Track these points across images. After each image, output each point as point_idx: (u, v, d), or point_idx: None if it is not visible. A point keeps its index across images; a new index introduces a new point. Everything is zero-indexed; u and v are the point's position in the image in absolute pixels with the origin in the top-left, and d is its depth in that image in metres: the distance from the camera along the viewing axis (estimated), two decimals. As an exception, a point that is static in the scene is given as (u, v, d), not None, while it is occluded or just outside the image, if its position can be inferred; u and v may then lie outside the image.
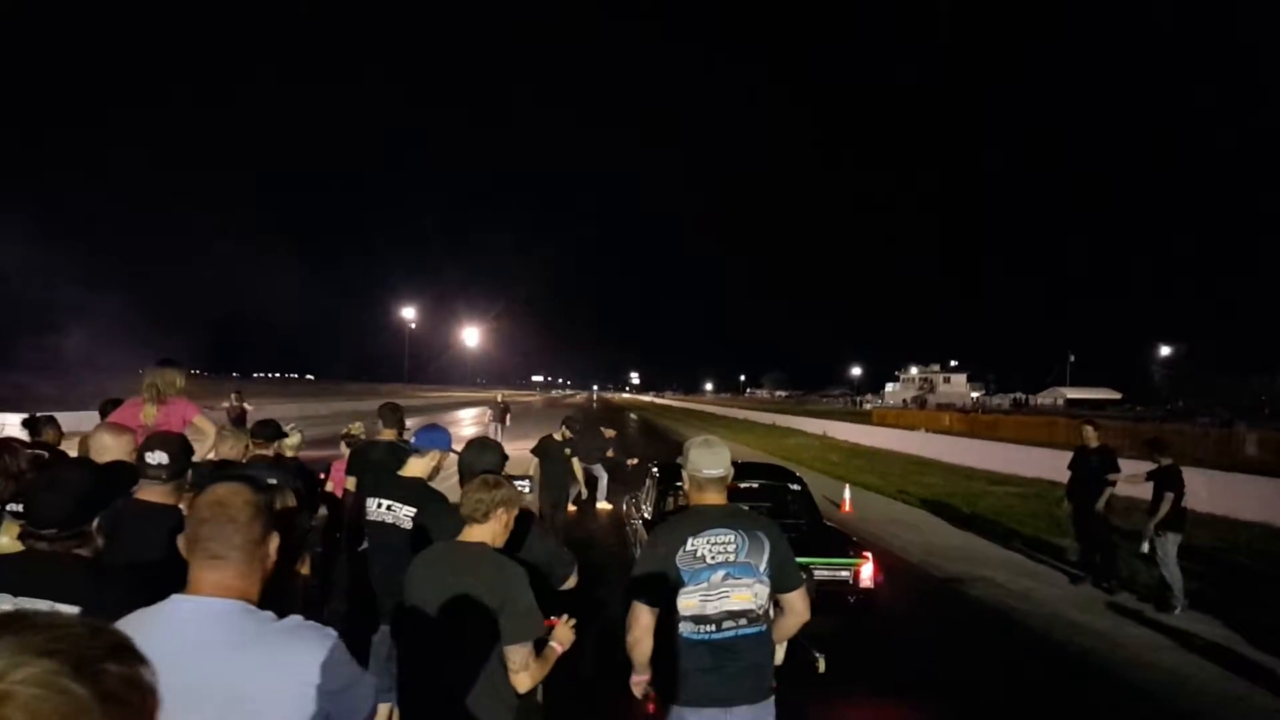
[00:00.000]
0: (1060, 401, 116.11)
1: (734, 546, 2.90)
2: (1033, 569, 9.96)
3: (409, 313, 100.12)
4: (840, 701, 5.54)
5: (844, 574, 6.38)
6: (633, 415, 61.99)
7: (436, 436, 4.00)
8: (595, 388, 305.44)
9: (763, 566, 2.91)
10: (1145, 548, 8.09)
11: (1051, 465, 20.28)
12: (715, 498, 3.02)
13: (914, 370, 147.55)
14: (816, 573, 6.19)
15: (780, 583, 2.96)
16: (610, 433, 13.34)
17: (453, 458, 3.84)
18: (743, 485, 7.62)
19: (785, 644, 5.36)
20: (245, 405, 16.12)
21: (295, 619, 1.65)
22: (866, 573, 6.40)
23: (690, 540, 2.89)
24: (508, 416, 25.70)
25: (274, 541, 1.75)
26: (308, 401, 53.59)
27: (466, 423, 40.00)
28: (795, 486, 7.60)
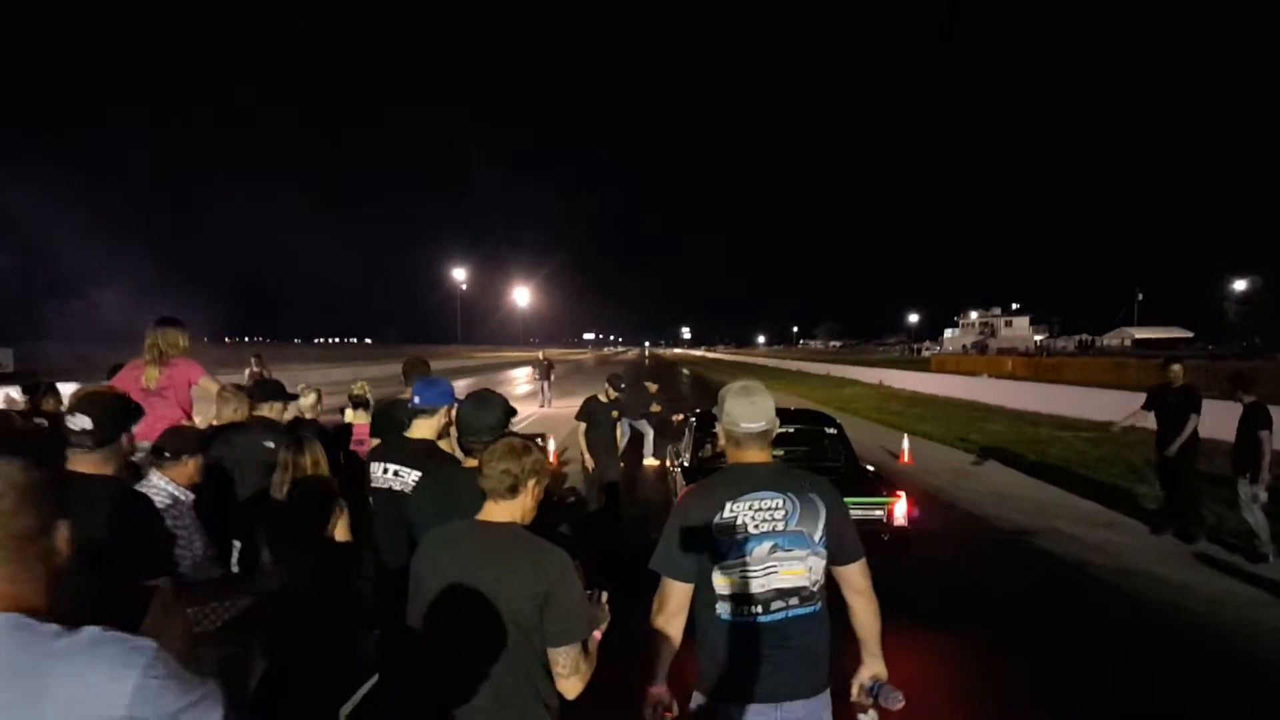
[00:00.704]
0: (1128, 342, 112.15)
1: (783, 513, 2.42)
2: (1109, 518, 9.28)
3: (460, 274, 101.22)
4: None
5: (877, 513, 6.36)
6: (684, 370, 61.36)
7: (439, 390, 3.52)
8: (647, 344, 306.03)
9: (818, 536, 2.43)
10: (1254, 494, 7.37)
11: (1122, 408, 19.30)
12: (758, 455, 2.52)
13: (974, 315, 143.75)
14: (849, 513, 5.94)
15: (838, 554, 2.49)
16: (654, 387, 12.88)
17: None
18: (778, 430, 7.30)
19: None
20: (265, 371, 15.19)
21: (93, 631, 1.17)
22: (900, 511, 6.39)
23: (730, 506, 2.40)
24: (552, 374, 25.33)
25: (62, 531, 1.27)
26: (362, 365, 53.87)
27: (519, 381, 39.86)
28: (830, 430, 7.64)
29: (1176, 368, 8.39)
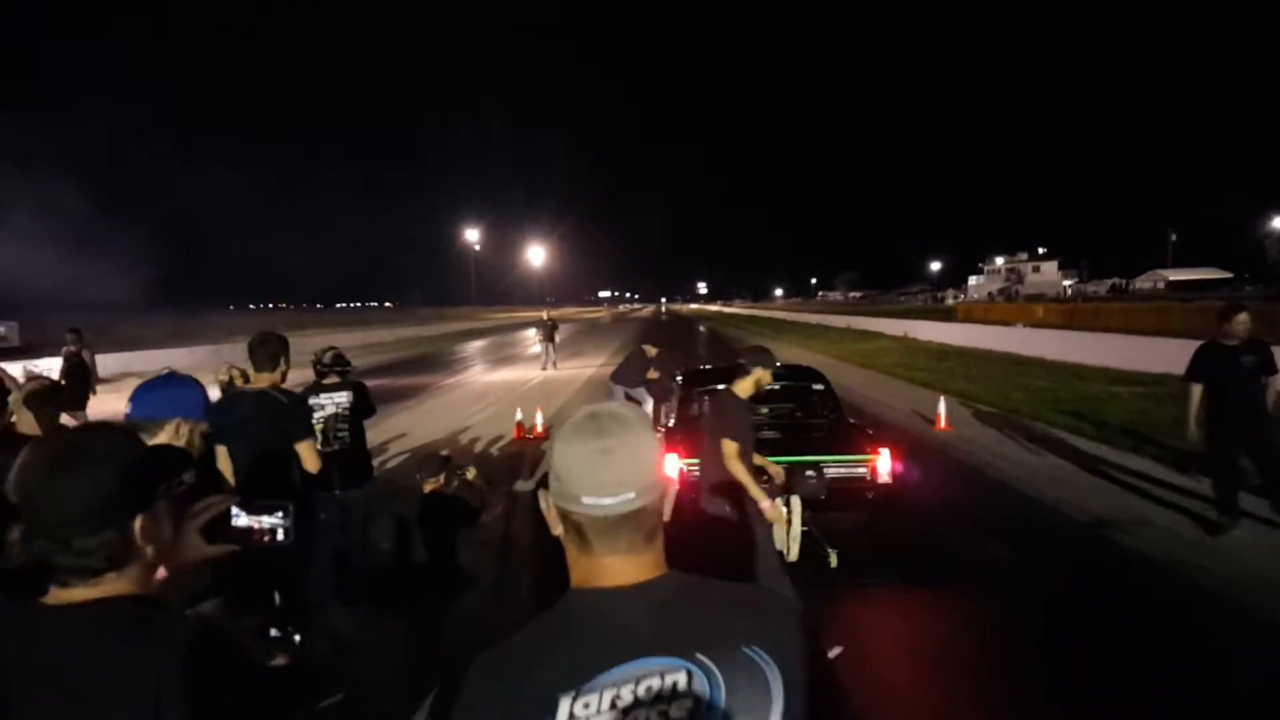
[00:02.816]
0: (1161, 284, 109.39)
1: (689, 704, 1.08)
2: (1201, 506, 7.50)
3: (473, 235, 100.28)
4: (847, 597, 5.47)
5: (860, 470, 6.39)
6: (700, 327, 59.81)
7: (165, 397, 2.09)
8: (663, 300, 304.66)
9: None
10: None
11: (1177, 358, 17.65)
12: (625, 568, 1.18)
13: (999, 261, 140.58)
14: (830, 470, 6.11)
15: None
16: (653, 351, 11.38)
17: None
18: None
19: (799, 540, 5.78)
20: (84, 353, 12.65)
21: None
22: (883, 468, 6.38)
23: (569, 703, 1.06)
24: (556, 335, 23.87)
25: None
26: (373, 329, 52.91)
27: (532, 342, 38.42)
28: (818, 386, 7.78)
29: (1243, 316, 6.48)
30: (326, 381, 5.40)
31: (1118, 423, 11.74)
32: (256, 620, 2.31)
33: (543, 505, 1.22)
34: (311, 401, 5.25)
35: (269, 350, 4.00)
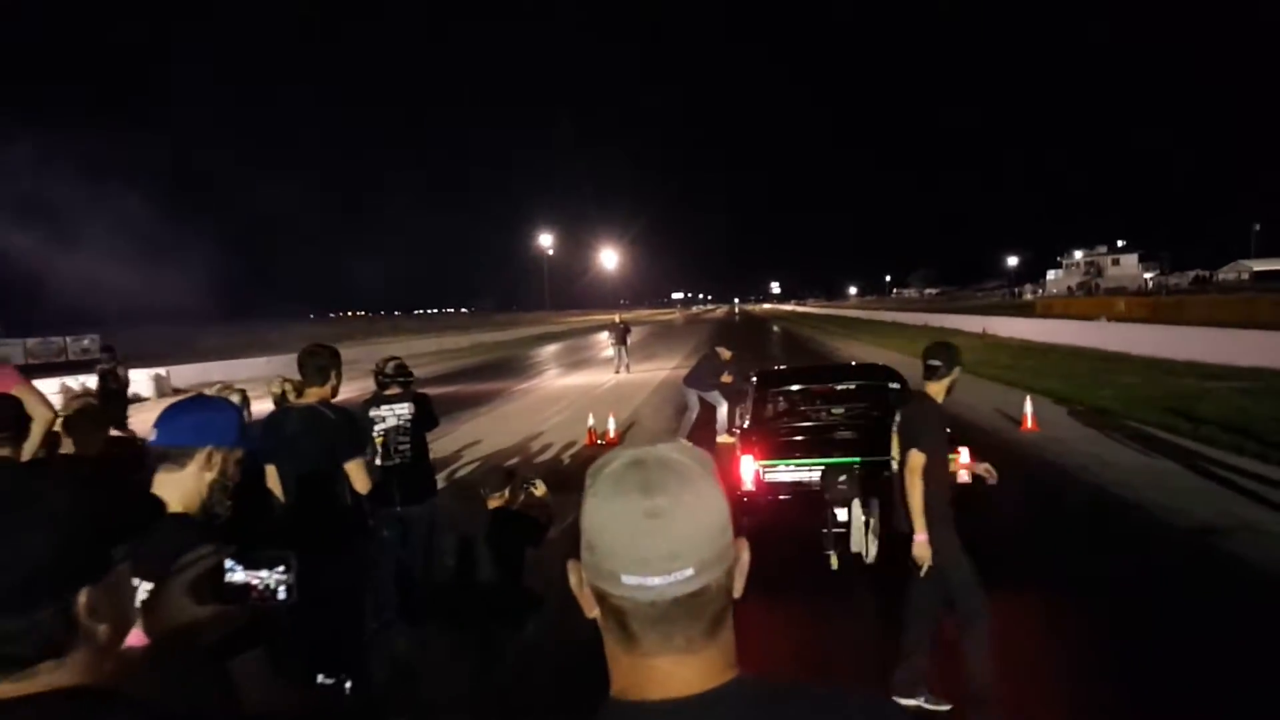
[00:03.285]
0: (1245, 275, 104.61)
1: None
2: None
3: (546, 240, 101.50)
4: None
5: None
6: (774, 327, 59.07)
7: (200, 422, 1.91)
8: (736, 300, 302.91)
9: None
10: None
11: (1269, 349, 16.71)
12: (684, 669, 0.86)
13: (1078, 254, 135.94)
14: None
15: None
16: (727, 354, 11.12)
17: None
18: (839, 388, 8.07)
19: (878, 541, 5.76)
20: (119, 369, 12.60)
21: None
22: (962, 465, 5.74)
23: None
24: (628, 338, 23.68)
25: None
26: (447, 335, 53.59)
27: (605, 345, 38.36)
28: (894, 385, 7.27)
29: None
30: (388, 393, 5.26)
31: (1216, 420, 11.02)
32: (304, 667, 2.14)
33: (573, 582, 0.90)
34: (372, 413, 5.13)
35: (318, 363, 3.78)
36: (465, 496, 7.54)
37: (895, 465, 4.19)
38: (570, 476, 9.41)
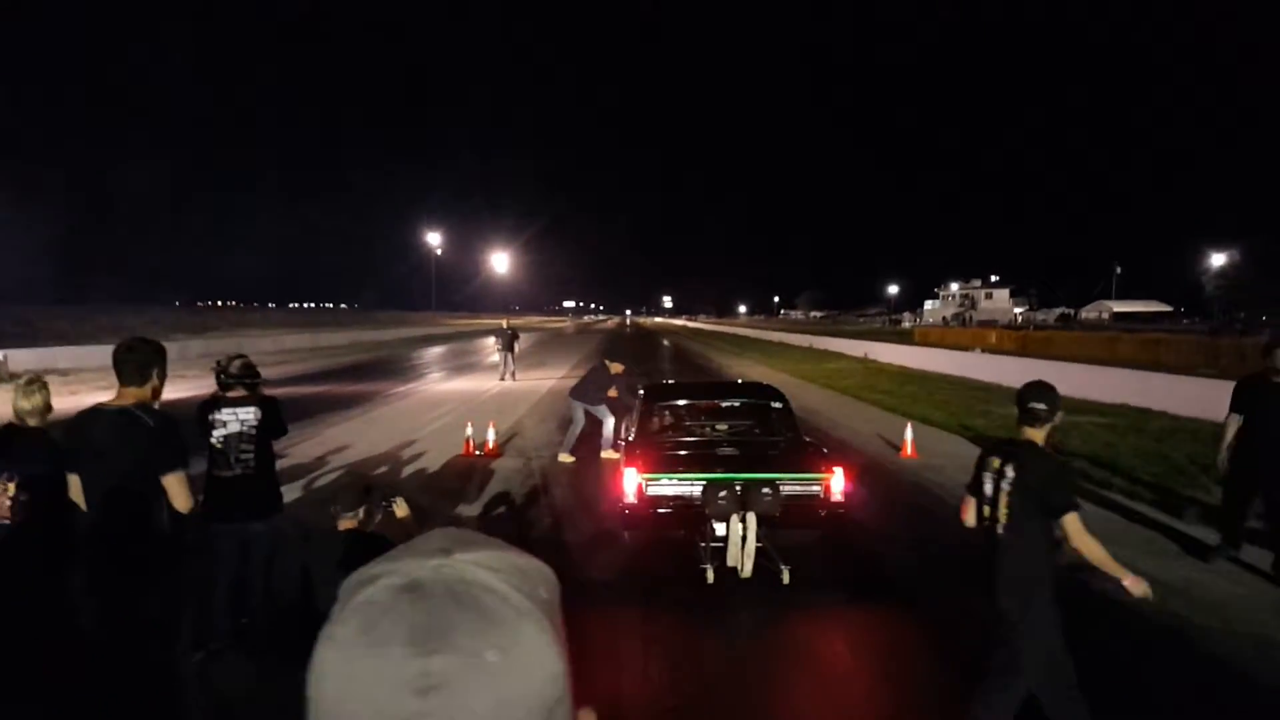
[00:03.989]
0: (1105, 315, 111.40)
1: None
2: (1170, 547, 7.19)
3: (434, 239, 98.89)
4: (798, 613, 5.62)
5: (814, 488, 6.40)
6: (665, 341, 59.20)
7: None
8: (629, 312, 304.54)
9: None
10: None
11: (1133, 388, 17.53)
12: None
13: (954, 286, 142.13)
14: (784, 488, 6.17)
15: None
16: (617, 367, 10.81)
17: None
18: (724, 405, 8.30)
19: (753, 557, 5.96)
20: None
21: None
22: (836, 486, 6.39)
23: None
24: (516, 344, 22.91)
25: None
26: (325, 331, 51.59)
27: (491, 350, 37.56)
28: (777, 404, 7.64)
29: None
30: (231, 394, 4.69)
31: (1084, 454, 11.38)
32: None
33: None
34: (211, 417, 4.57)
35: (138, 359, 3.23)
36: (322, 510, 6.99)
37: (1001, 529, 3.69)
38: (442, 494, 8.87)
